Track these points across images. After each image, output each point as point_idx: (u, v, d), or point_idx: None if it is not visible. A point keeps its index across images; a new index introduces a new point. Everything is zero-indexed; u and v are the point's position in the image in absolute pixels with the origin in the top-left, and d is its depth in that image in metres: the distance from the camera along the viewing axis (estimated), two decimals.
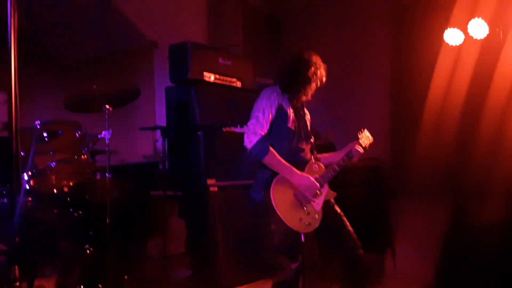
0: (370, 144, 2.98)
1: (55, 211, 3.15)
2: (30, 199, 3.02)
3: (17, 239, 2.03)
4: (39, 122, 3.25)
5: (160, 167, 4.13)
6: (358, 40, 5.04)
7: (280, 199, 2.73)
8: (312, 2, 5.25)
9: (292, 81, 2.87)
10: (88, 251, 3.31)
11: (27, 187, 3.10)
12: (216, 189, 3.61)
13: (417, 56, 4.43)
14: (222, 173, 3.71)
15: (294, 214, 2.74)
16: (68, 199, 3.23)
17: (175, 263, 3.89)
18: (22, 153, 2.99)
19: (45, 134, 3.26)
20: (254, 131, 2.77)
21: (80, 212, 3.33)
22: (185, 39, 3.85)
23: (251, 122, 2.82)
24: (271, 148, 2.76)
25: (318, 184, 2.80)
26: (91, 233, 3.33)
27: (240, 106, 3.98)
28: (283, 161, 2.77)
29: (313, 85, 2.90)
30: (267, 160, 2.75)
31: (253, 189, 2.89)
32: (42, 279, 3.09)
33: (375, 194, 4.38)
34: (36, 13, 3.93)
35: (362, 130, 3.00)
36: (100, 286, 3.34)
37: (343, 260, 2.84)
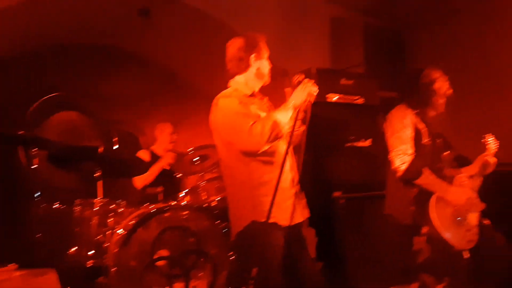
0: (498, 148, 2.88)
1: (206, 222, 3.52)
2: (186, 212, 3.45)
3: None
4: (191, 148, 3.86)
5: None
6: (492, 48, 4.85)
7: (439, 217, 2.64)
8: (436, 15, 5.19)
9: (418, 97, 2.89)
10: (231, 258, 3.72)
11: (184, 203, 3.66)
12: (342, 201, 3.85)
13: None
14: (348, 185, 3.93)
15: (456, 232, 2.64)
16: (216, 212, 3.66)
17: None
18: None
19: (196, 158, 3.88)
20: (405, 151, 2.72)
21: (226, 223, 3.80)
22: (311, 64, 4.16)
23: (397, 143, 2.76)
24: (423, 169, 2.71)
25: (476, 196, 2.74)
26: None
27: (363, 122, 4.16)
28: (436, 179, 2.70)
29: (440, 99, 2.88)
30: (421, 180, 2.68)
31: (389, 205, 2.87)
32: (197, 280, 3.41)
33: None
34: None
35: (485, 136, 2.91)
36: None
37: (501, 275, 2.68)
